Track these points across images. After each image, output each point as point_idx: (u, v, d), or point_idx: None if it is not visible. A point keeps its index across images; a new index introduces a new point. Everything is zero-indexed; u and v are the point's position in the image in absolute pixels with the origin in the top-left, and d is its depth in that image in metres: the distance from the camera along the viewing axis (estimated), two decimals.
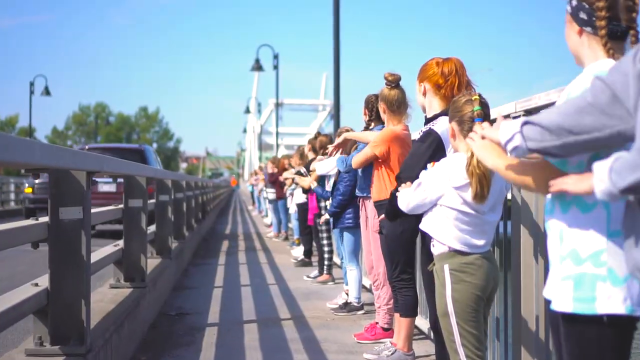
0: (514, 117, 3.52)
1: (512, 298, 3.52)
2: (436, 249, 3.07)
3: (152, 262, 7.35)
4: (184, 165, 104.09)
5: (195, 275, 9.43)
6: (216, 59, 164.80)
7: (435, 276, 3.03)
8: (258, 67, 27.84)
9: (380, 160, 4.86)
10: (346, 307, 6.60)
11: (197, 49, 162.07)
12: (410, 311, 4.79)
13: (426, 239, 3.57)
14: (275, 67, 29.26)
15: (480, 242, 2.99)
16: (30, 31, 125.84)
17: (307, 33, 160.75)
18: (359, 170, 5.40)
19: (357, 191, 5.64)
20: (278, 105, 39.25)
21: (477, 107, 2.98)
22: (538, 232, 3.34)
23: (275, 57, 28.90)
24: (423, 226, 3.16)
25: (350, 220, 6.38)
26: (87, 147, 15.82)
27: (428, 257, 3.46)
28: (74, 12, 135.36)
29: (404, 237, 4.69)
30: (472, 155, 2.85)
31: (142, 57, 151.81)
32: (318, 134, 9.40)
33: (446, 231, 2.99)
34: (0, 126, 77.52)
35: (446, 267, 2.95)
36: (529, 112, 3.39)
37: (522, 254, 3.44)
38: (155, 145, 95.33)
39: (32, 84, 40.14)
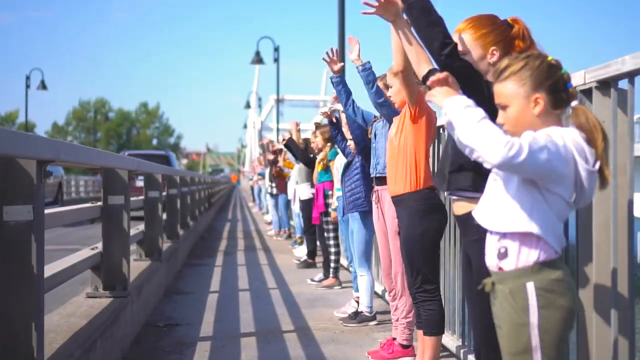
0: (582, 91, 2.76)
1: (577, 325, 2.75)
2: (511, 260, 2.20)
3: (139, 266, 6.61)
4: (184, 161, 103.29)
5: (189, 278, 8.68)
6: (217, 55, 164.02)
7: (503, 300, 2.21)
8: (258, 59, 27.05)
9: (403, 136, 4.04)
10: (357, 317, 5.84)
11: (198, 45, 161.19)
12: (435, 328, 4.03)
13: (470, 241, 2.81)
14: (276, 60, 28.47)
15: (562, 246, 2.22)
16: (31, 27, 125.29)
17: (307, 29, 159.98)
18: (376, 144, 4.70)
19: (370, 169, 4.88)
20: (279, 101, 38.46)
21: (564, 70, 2.23)
22: (618, 236, 2.59)
23: (276, 49, 28.12)
24: (498, 224, 2.22)
25: (364, 205, 5.58)
26: (127, 153, 18.50)
27: (475, 266, 2.71)
28: (75, 8, 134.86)
29: (426, 238, 3.95)
30: (603, 132, 2.13)
31: (143, 52, 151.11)
32: (317, 124, 8.51)
33: (546, 229, 2.15)
34: (0, 121, 76.86)
35: (530, 287, 2.14)
36: (603, 82, 2.64)
37: (595, 266, 2.68)
38: (155, 141, 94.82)
39: (28, 78, 39.42)
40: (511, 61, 2.25)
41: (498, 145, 1.99)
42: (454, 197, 2.92)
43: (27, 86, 39.81)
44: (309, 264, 9.67)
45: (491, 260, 2.26)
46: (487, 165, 2.04)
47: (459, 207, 2.88)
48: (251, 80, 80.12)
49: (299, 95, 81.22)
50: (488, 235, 2.28)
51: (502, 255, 2.21)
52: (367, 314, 5.83)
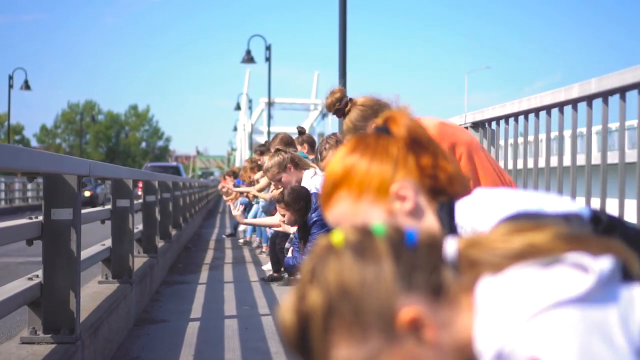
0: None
1: None
2: None
3: (102, 291, 5.44)
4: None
5: (167, 300, 7.47)
6: (207, 57, 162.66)
7: None
8: (249, 58, 25.89)
9: None
10: None
11: (188, 47, 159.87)
12: None
13: None
14: (268, 59, 27.31)
15: None
16: (22, 30, 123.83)
17: (298, 32, 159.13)
18: None
19: None
20: (270, 103, 37.31)
21: None
22: None
23: (268, 48, 26.97)
24: None
25: None
26: (149, 165, 21.32)
27: None
28: (66, 12, 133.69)
29: None
30: None
31: (133, 55, 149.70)
32: (301, 129, 7.05)
33: None
34: None
35: None
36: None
37: None
38: (144, 144, 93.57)
39: (11, 77, 38.11)
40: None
41: None
42: None
43: (10, 86, 38.55)
44: (275, 278, 8.62)
45: None
46: None
47: None
48: (241, 83, 78.99)
49: (289, 98, 79.98)
50: None
51: None
52: None
